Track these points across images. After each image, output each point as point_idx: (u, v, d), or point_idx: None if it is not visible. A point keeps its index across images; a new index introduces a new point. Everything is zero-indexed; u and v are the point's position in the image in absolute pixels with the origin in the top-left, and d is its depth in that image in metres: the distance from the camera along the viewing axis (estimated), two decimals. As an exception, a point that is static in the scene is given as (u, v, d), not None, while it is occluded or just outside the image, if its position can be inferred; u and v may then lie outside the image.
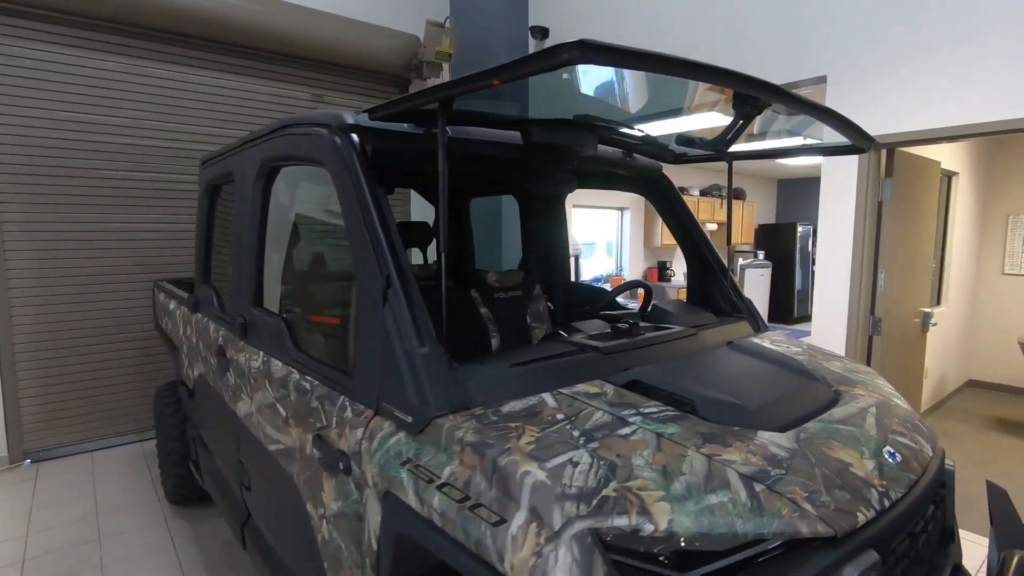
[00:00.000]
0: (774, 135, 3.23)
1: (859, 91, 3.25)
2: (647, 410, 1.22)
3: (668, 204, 2.31)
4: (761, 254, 9.51)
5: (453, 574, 1.22)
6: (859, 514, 1.02)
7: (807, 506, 0.99)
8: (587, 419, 1.16)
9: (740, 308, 2.10)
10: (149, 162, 4.32)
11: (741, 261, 8.90)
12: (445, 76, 5.78)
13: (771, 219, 10.53)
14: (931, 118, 3.01)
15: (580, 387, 1.32)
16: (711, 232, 9.32)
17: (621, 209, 8.05)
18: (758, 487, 1.00)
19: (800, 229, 9.55)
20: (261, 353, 1.87)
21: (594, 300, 2.76)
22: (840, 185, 3.43)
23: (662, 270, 8.27)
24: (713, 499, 0.96)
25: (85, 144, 4.07)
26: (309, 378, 1.58)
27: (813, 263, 9.94)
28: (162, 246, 4.47)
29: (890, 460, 1.20)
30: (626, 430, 1.12)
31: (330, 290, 1.92)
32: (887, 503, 1.08)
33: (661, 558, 0.90)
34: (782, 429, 1.20)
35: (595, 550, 0.89)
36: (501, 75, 1.05)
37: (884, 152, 3.36)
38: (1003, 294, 5.69)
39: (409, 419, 1.21)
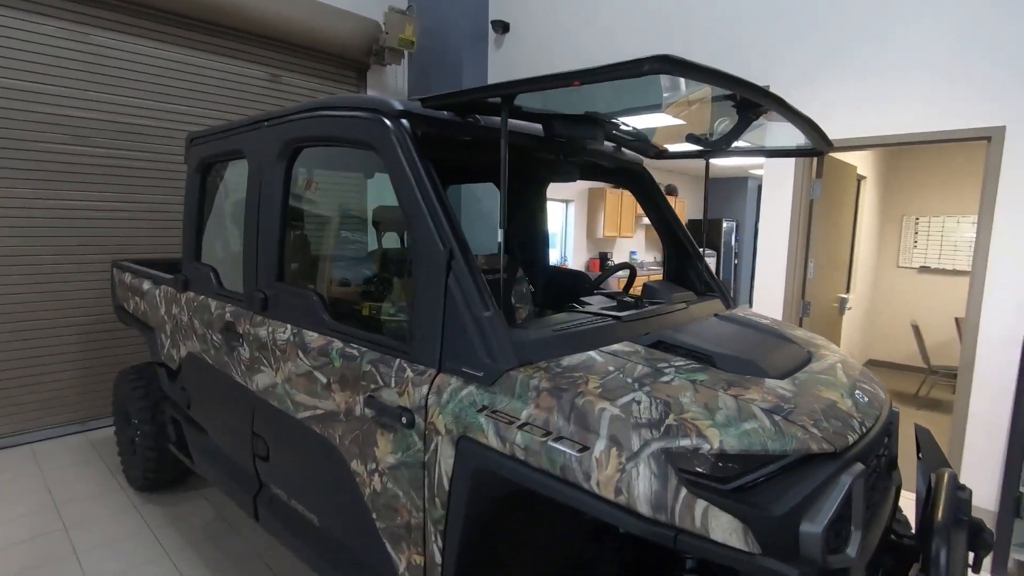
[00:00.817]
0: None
1: (799, 101, 3.69)
2: (677, 363, 1.46)
3: (649, 195, 2.58)
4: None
5: (519, 503, 1.41)
6: (848, 436, 1.32)
7: (814, 430, 1.27)
8: (633, 370, 1.38)
9: (713, 287, 2.40)
10: (92, 135, 4.09)
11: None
12: (405, 64, 5.82)
13: (699, 214, 11.30)
14: (854, 128, 3.50)
15: (616, 347, 1.54)
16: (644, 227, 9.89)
17: (566, 201, 8.39)
18: (777, 417, 1.26)
19: (725, 224, 10.33)
20: (288, 326, 1.95)
21: (574, 282, 2.99)
22: (779, 185, 3.88)
23: (603, 260, 8.70)
24: (747, 426, 1.21)
25: (18, 114, 3.79)
26: (354, 346, 1.70)
27: (735, 256, 10.80)
28: (114, 225, 4.25)
29: (861, 400, 1.51)
30: (666, 378, 1.36)
31: (379, 265, 2.02)
32: (864, 430, 1.39)
33: (715, 471, 1.14)
34: (781, 377, 1.48)
35: (667, 464, 1.11)
36: (584, 77, 1.22)
37: (815, 156, 3.83)
38: (897, 284, 6.55)
39: (480, 374, 1.37)
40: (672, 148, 2.47)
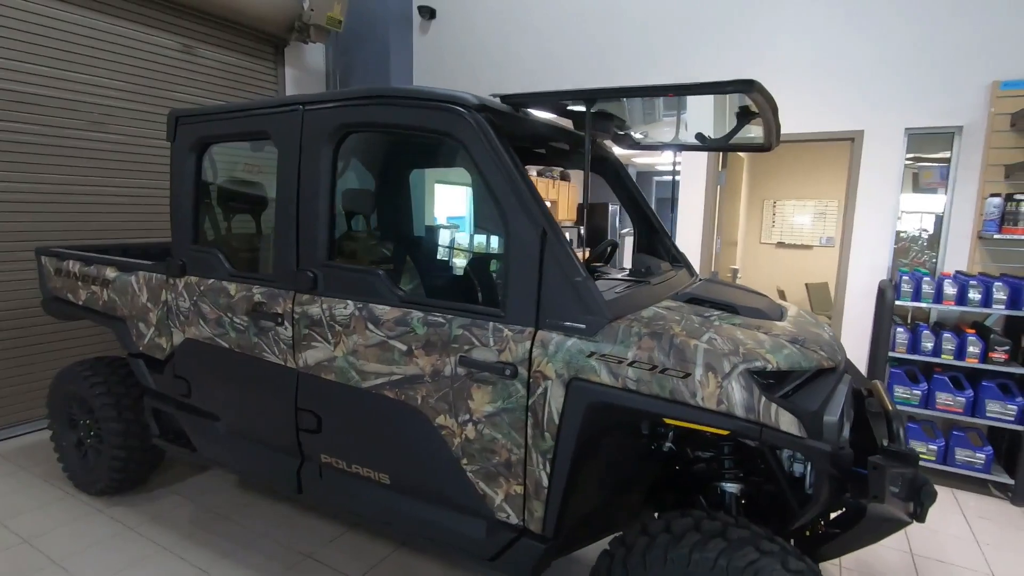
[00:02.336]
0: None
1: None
2: (715, 313, 1.88)
3: (619, 179, 2.99)
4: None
5: (622, 432, 1.75)
6: (839, 357, 1.84)
7: (821, 353, 1.76)
8: (692, 318, 1.77)
9: (679, 260, 2.90)
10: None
11: (622, 230, 10.38)
12: (323, 44, 5.66)
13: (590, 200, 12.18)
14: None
15: (665, 302, 1.93)
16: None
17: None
18: (797, 345, 1.74)
19: (611, 208, 11.31)
20: (350, 302, 2.06)
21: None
22: (695, 175, 4.55)
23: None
24: (785, 351, 1.67)
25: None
26: (437, 314, 1.89)
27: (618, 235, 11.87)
28: (13, 209, 3.74)
29: (831, 333, 2.07)
30: (717, 322, 1.77)
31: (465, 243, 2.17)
32: (842, 355, 1.93)
33: (776, 383, 1.58)
34: (780, 319, 1.98)
35: (751, 379, 1.53)
36: (678, 91, 1.55)
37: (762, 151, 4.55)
38: (761, 257, 7.81)
39: (583, 326, 1.68)
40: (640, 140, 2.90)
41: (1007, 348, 3.24)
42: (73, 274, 3.00)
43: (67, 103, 3.95)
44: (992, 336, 3.28)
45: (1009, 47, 3.50)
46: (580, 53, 4.97)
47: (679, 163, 4.67)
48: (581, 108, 2.19)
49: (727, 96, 2.03)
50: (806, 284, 6.99)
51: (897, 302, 3.52)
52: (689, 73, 4.46)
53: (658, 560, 1.56)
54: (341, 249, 2.53)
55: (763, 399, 1.52)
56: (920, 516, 1.71)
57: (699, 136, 2.33)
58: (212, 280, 2.45)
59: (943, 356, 3.39)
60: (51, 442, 3.28)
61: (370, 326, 2.00)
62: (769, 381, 1.57)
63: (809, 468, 1.81)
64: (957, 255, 3.75)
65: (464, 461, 1.89)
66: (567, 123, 2.43)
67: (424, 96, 1.88)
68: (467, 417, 1.86)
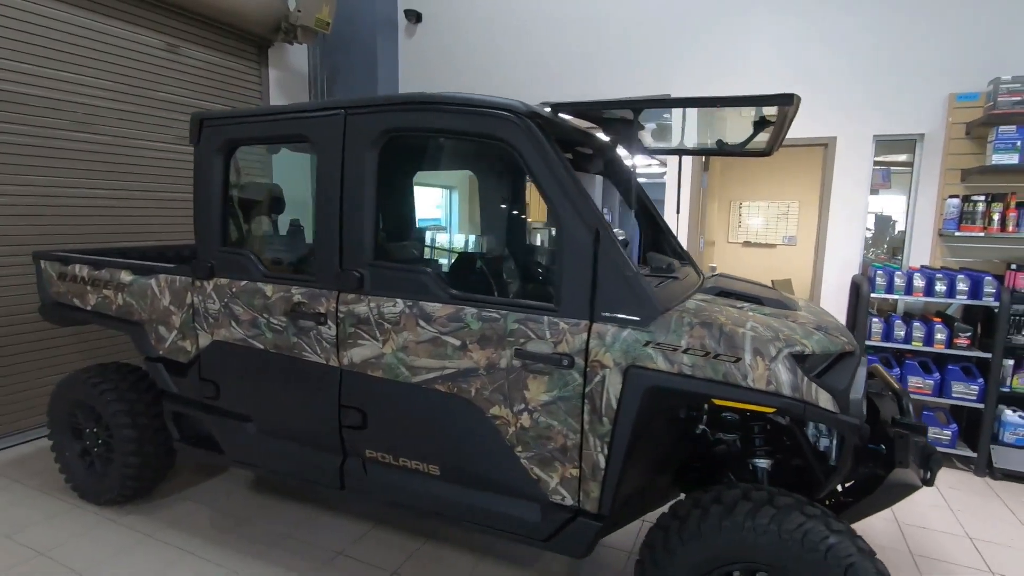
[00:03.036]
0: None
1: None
2: (745, 304, 2.06)
3: (627, 182, 3.16)
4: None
5: (664, 416, 1.90)
6: (855, 341, 2.05)
7: (842, 338, 1.96)
8: (730, 309, 1.94)
9: (685, 258, 3.09)
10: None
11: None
12: (305, 46, 5.62)
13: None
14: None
15: (700, 295, 2.09)
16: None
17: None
18: (822, 331, 1.93)
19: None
20: (399, 300, 2.13)
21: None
22: (683, 178, 4.79)
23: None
24: (815, 337, 1.85)
25: None
26: (491, 310, 1.99)
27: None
28: (28, 212, 3.59)
29: (842, 322, 2.28)
30: (750, 312, 1.94)
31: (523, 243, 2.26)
32: (856, 341, 2.14)
33: (813, 364, 1.76)
34: (800, 310, 2.18)
35: (794, 362, 1.70)
36: (725, 103, 1.71)
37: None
38: (729, 256, 8.20)
39: (637, 318, 1.81)
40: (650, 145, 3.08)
41: (969, 334, 3.59)
42: (81, 278, 2.93)
43: (52, 102, 3.82)
44: (956, 324, 3.63)
45: (963, 63, 3.87)
46: (565, 58, 5.14)
47: (665, 168, 4.91)
48: (616, 115, 2.34)
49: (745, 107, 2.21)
50: (772, 280, 7.40)
51: (871, 294, 3.84)
52: (670, 81, 4.70)
53: (713, 528, 1.71)
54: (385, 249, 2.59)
55: (805, 379, 1.70)
56: (930, 481, 1.93)
57: (719, 143, 2.51)
58: (245, 281, 2.46)
59: (913, 343, 3.72)
60: (51, 452, 3.18)
61: (422, 323, 2.08)
62: (806, 364, 1.75)
63: (834, 442, 2.01)
64: (921, 251, 4.11)
65: (518, 448, 2.00)
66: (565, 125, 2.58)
67: (476, 103, 1.98)
68: (522, 406, 1.96)
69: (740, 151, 2.60)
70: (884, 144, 4.21)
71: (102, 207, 4.16)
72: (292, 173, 5.54)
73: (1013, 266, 3.58)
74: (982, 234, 3.70)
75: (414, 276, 2.12)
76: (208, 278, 2.55)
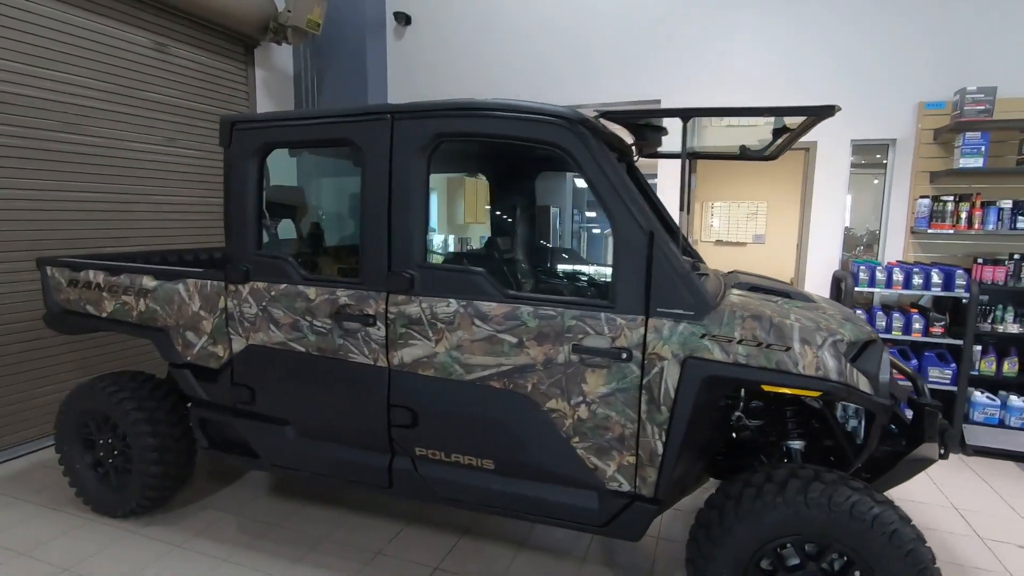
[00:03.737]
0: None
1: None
2: (778, 298, 2.22)
3: (637, 182, 3.30)
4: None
5: (718, 403, 2.03)
6: (872, 330, 2.25)
7: (867, 328, 2.15)
8: (770, 303, 2.10)
9: (694, 256, 3.26)
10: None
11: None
12: (290, 47, 5.55)
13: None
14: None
15: (737, 290, 2.24)
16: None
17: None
18: (850, 321, 2.11)
19: (552, 210, 11.79)
20: (453, 300, 2.19)
21: (571, 255, 3.60)
22: (674, 178, 4.99)
23: (463, 245, 9.28)
24: (847, 326, 2.03)
25: None
26: (547, 308, 2.08)
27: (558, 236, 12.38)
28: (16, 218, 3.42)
29: (859, 312, 2.48)
30: (787, 306, 2.10)
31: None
32: (874, 329, 2.34)
33: (849, 351, 1.93)
34: (820, 304, 2.36)
35: (837, 348, 1.87)
36: (771, 112, 1.86)
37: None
38: (702, 254, 8.53)
39: (692, 312, 1.94)
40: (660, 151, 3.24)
41: (943, 323, 3.92)
42: (96, 284, 2.84)
43: (41, 102, 3.66)
44: (931, 314, 3.94)
45: (932, 73, 4.21)
46: (554, 62, 5.26)
47: (655, 171, 5.11)
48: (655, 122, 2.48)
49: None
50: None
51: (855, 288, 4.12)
52: (660, 84, 4.89)
53: (767, 505, 1.86)
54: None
55: (848, 365, 1.86)
56: (945, 455, 2.15)
57: (742, 148, 2.68)
58: (285, 285, 2.46)
59: (893, 332, 4.02)
60: (47, 466, 3.07)
61: (477, 322, 2.15)
62: (845, 351, 1.92)
63: (862, 422, 2.20)
64: (894, 247, 4.44)
65: (575, 439, 2.10)
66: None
67: (531, 110, 2.06)
68: (580, 399, 2.06)
69: (759, 156, 2.78)
70: (860, 148, 4.52)
71: (92, 211, 4.01)
72: (303, 177, 5.46)
73: (980, 260, 3.93)
74: (952, 231, 4.04)
75: (466, 277, 2.19)
76: (243, 282, 2.53)
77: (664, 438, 1.99)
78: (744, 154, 2.78)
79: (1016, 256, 3.87)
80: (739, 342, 1.89)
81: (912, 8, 4.22)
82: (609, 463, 2.08)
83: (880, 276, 4.01)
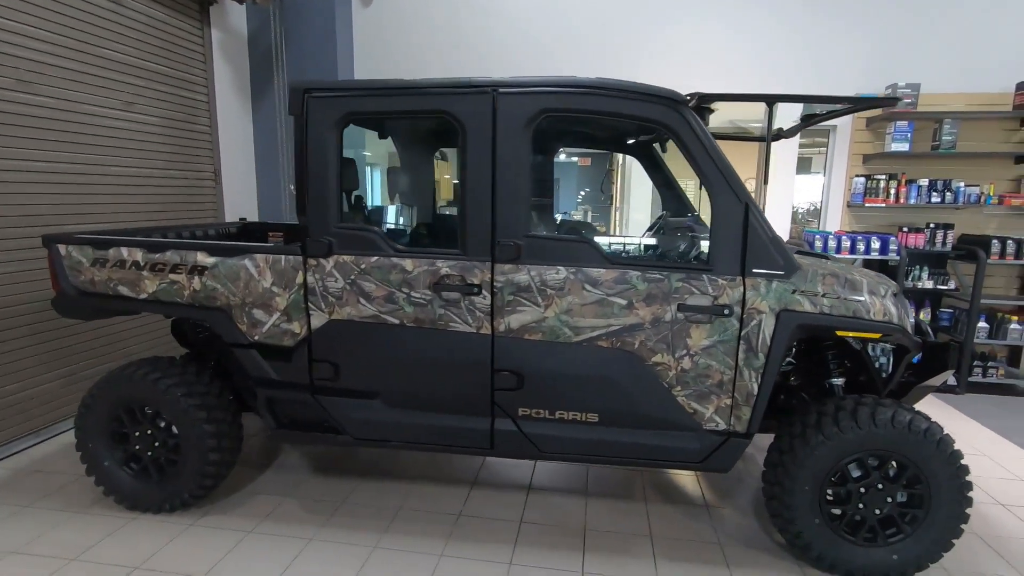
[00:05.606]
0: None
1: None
2: (827, 259, 2.61)
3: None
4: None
5: (807, 345, 2.39)
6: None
7: (893, 280, 2.62)
8: (830, 263, 2.47)
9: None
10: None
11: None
12: (244, 9, 5.14)
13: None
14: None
15: (795, 252, 2.60)
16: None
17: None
18: (879, 275, 2.56)
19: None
20: (561, 267, 2.33)
21: (585, 227, 3.83)
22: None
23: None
24: (885, 279, 2.47)
25: None
26: (654, 271, 2.30)
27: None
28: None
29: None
30: (840, 266, 2.50)
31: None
32: (882, 283, 2.83)
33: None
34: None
35: (900, 295, 2.29)
36: (851, 101, 2.19)
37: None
38: (638, 229, 9.17)
39: (782, 272, 2.26)
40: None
41: (879, 282, 4.68)
42: (134, 263, 2.59)
43: (-2, 55, 3.15)
44: (870, 275, 4.70)
45: (865, 66, 4.92)
46: (527, 37, 5.38)
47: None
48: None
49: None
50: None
51: (809, 255, 4.77)
52: (635, 65, 5.22)
53: (844, 428, 2.25)
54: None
55: (904, 310, 2.29)
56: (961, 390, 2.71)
57: (778, 130, 3.04)
58: (376, 257, 2.44)
59: (840, 291, 4.72)
60: (48, 464, 2.78)
61: (587, 287, 2.32)
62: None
63: (890, 358, 2.68)
64: (833, 219, 5.17)
65: (677, 388, 2.36)
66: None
67: (640, 90, 2.24)
68: (684, 352, 2.32)
69: (777, 136, 3.16)
70: (806, 132, 5.17)
71: (48, 183, 3.54)
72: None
73: (905, 228, 4.73)
74: (883, 205, 4.81)
75: (572, 245, 2.34)
76: (326, 255, 2.47)
77: (759, 380, 2.31)
78: (777, 135, 3.15)
79: (931, 225, 4.71)
80: (823, 296, 2.25)
81: (851, 11, 4.88)
82: (708, 406, 2.37)
83: (832, 243, 4.69)
